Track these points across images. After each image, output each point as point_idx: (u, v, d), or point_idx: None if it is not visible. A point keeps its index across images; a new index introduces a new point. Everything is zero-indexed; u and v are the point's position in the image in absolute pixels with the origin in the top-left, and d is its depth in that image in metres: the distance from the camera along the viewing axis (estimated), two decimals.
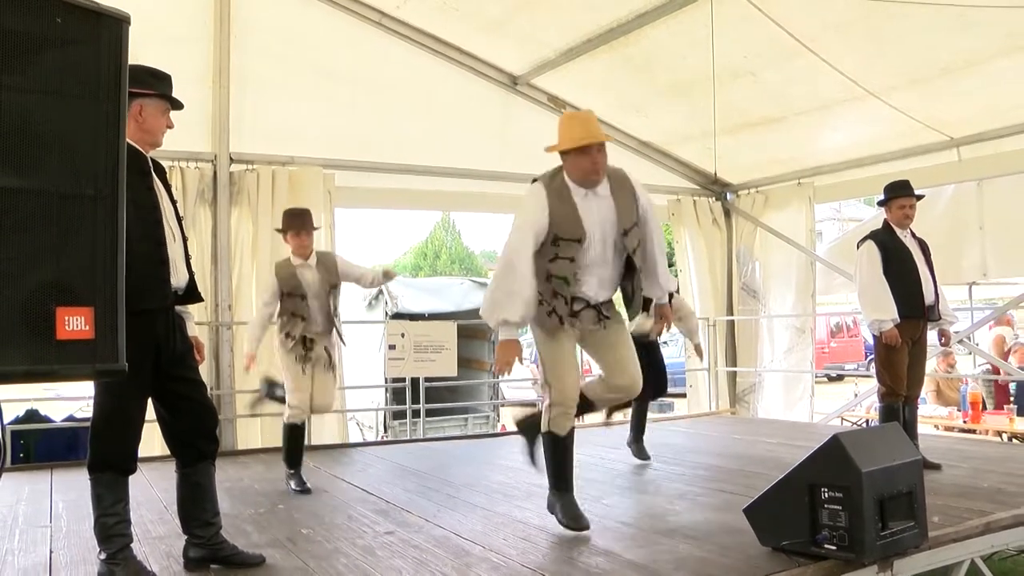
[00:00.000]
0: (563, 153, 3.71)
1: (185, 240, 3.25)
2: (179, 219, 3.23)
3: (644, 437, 5.87)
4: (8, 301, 1.76)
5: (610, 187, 3.77)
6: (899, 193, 5.29)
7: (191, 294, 3.26)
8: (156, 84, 3.13)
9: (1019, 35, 5.77)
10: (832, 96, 7.21)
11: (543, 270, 3.66)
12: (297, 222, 5.07)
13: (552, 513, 3.78)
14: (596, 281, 3.74)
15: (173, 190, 3.32)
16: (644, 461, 5.75)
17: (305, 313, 5.03)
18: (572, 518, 3.68)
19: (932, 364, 9.18)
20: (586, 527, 3.64)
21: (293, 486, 4.96)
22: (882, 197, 5.42)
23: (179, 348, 3.17)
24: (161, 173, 3.21)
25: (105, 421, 3.00)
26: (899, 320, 5.12)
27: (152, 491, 4.82)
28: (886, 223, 5.34)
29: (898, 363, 5.21)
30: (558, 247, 3.65)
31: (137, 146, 3.02)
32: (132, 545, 3.09)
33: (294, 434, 5.05)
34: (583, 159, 3.65)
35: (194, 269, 3.33)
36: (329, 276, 5.14)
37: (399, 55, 7.62)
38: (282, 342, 5.09)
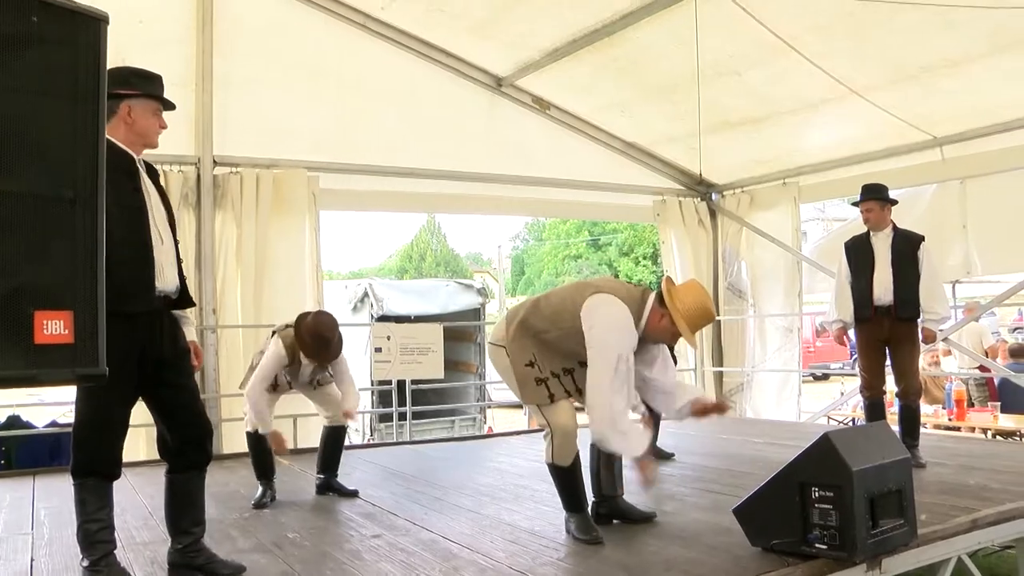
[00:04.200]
0: (664, 311, 3.56)
1: (176, 244, 3.19)
2: (171, 223, 3.17)
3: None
4: None
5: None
6: (860, 197, 5.58)
7: (183, 299, 3.21)
8: (143, 84, 3.09)
9: (1002, 35, 5.80)
10: (817, 96, 7.23)
11: (569, 351, 3.61)
12: (322, 357, 4.59)
13: (568, 532, 3.75)
14: None
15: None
16: (667, 459, 5.83)
17: (282, 388, 4.81)
18: (585, 532, 3.65)
19: (921, 362, 9.22)
20: (599, 541, 3.59)
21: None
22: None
23: (168, 353, 3.10)
24: (154, 175, 3.17)
25: (86, 426, 2.95)
26: (844, 321, 5.61)
27: (137, 497, 4.76)
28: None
29: (863, 359, 5.59)
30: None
31: (127, 147, 3.01)
32: (116, 552, 3.04)
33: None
34: (670, 338, 3.65)
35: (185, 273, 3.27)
36: (323, 371, 4.83)
37: (384, 57, 7.59)
38: (243, 384, 4.91)
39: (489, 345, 3.90)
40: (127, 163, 3.00)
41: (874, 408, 5.54)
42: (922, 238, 5.47)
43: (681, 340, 3.67)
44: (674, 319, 3.53)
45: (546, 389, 3.62)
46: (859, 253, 5.52)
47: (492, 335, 3.90)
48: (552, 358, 3.64)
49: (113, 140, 2.99)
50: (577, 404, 3.71)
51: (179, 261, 3.19)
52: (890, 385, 5.75)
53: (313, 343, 4.53)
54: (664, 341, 3.70)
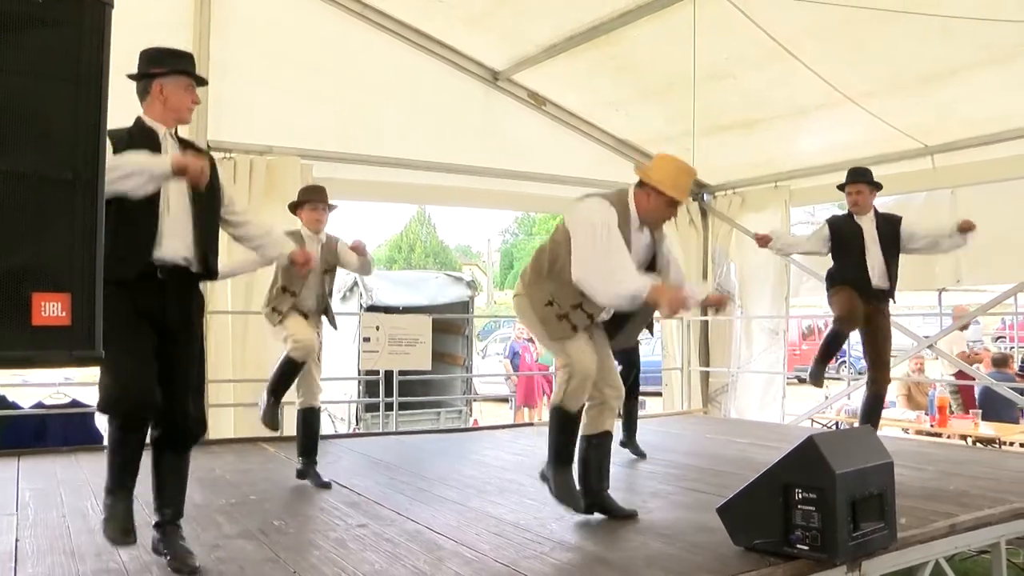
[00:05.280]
0: (646, 189, 3.71)
1: (203, 217, 3.24)
2: (200, 198, 3.20)
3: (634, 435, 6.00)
4: None
5: (652, 233, 3.90)
6: (847, 180, 5.61)
7: (206, 270, 3.29)
8: (174, 62, 3.21)
9: (996, 47, 5.85)
10: (811, 100, 7.27)
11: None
12: (316, 195, 5.01)
13: (544, 481, 3.79)
14: None
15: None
16: (639, 458, 5.84)
17: (297, 288, 4.83)
18: (566, 493, 3.71)
19: (904, 367, 9.32)
20: (580, 508, 3.64)
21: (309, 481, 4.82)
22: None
23: (173, 324, 3.15)
24: (186, 149, 3.23)
25: (106, 374, 2.98)
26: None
27: None
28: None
29: (842, 299, 5.43)
30: None
31: (157, 123, 3.16)
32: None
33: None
34: (667, 208, 3.78)
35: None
36: (330, 256, 5.03)
37: (381, 47, 7.57)
38: (268, 316, 4.90)
39: (513, 300, 4.09)
40: (151, 139, 3.12)
41: (838, 337, 5.58)
42: (900, 218, 5.57)
43: (677, 243, 3.85)
44: (659, 190, 3.67)
45: (568, 322, 3.76)
46: (846, 233, 5.49)
47: (513, 291, 4.10)
48: (567, 293, 3.74)
49: (143, 118, 3.16)
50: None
51: (201, 233, 3.24)
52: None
53: (304, 192, 5.05)
54: (663, 218, 3.81)
